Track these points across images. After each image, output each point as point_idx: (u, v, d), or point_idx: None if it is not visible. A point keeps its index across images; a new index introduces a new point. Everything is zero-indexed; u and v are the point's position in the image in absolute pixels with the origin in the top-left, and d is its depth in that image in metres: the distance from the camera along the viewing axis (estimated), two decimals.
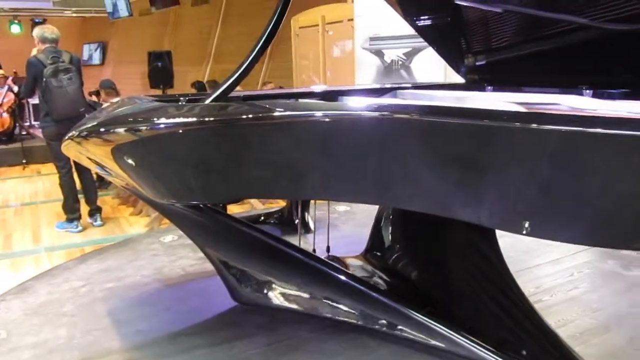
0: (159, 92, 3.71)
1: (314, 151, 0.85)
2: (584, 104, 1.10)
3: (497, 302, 1.08)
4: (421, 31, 1.31)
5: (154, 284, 1.35)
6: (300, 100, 1.14)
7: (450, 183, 0.78)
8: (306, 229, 1.55)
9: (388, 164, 0.82)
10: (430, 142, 0.78)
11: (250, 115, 0.84)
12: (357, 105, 0.94)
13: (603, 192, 0.64)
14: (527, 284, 1.24)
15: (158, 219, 2.14)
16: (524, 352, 0.98)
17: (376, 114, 0.81)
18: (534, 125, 0.67)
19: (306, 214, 1.59)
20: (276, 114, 0.84)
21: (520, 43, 1.20)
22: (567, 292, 1.22)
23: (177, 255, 1.54)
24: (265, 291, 1.16)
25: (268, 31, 0.92)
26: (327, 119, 0.83)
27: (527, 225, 0.71)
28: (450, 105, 1.03)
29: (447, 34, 1.28)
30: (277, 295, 1.14)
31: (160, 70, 3.82)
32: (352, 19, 2.56)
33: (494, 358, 0.99)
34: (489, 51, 1.26)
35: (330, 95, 1.19)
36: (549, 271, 1.34)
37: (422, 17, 1.29)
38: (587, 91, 1.12)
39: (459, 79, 1.37)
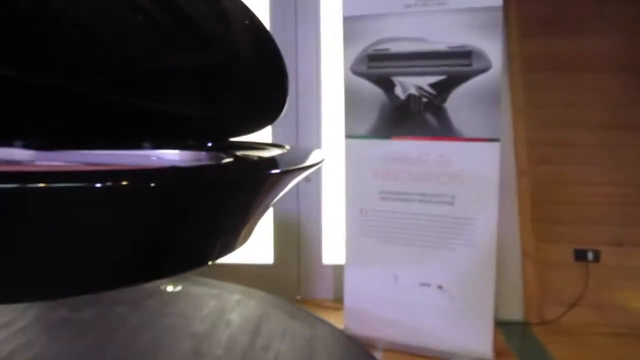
0: None
1: None
2: (18, 155, 1.28)
3: None
4: None
5: None
6: None
7: None
8: None
9: None
10: None
11: None
12: None
13: (60, 243, 0.71)
14: None
15: None
16: None
17: None
18: None
19: None
20: None
21: None
22: (27, 353, 1.37)
23: None
24: None
25: None
26: None
27: None
28: None
29: None
30: None
31: None
32: None
33: None
34: None
35: None
36: (2, 336, 1.43)
37: None
38: (18, 142, 1.31)
39: None
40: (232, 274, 2.77)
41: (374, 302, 2.70)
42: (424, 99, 2.56)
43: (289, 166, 0.96)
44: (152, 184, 0.73)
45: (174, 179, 0.78)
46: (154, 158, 1.33)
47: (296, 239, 3.42)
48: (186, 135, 1.34)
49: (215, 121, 1.34)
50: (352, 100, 2.66)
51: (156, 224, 0.79)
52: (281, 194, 1.01)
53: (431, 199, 2.57)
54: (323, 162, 1.12)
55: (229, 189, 0.84)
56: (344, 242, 2.74)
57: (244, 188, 0.87)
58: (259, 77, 1.27)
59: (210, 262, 0.95)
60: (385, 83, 2.61)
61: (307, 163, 1.00)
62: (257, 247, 3.38)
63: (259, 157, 1.13)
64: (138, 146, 1.36)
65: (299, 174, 0.99)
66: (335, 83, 3.15)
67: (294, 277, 3.43)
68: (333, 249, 3.36)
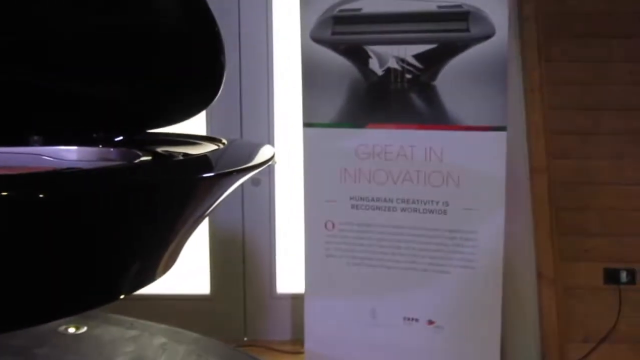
0: None
1: None
2: None
3: None
4: None
5: None
6: None
7: None
8: None
9: None
10: None
11: None
12: None
13: None
14: None
15: None
16: None
17: None
18: None
19: None
20: None
21: None
22: None
23: None
24: None
25: None
26: None
27: None
28: None
29: None
30: None
31: None
32: None
33: None
34: None
35: None
36: None
37: None
38: None
39: None
40: (156, 310, 2.75)
41: (344, 343, 2.71)
42: (408, 75, 2.58)
43: (226, 167, 0.97)
44: (40, 194, 0.73)
45: (70, 187, 0.77)
46: (46, 157, 1.31)
47: (240, 262, 3.41)
48: (89, 125, 1.33)
49: (128, 106, 1.33)
50: (312, 77, 2.67)
51: (47, 246, 0.79)
52: (216, 203, 1.01)
53: (418, 207, 2.59)
54: (273, 161, 1.13)
55: (145, 199, 0.84)
56: (303, 265, 2.74)
57: (166, 197, 0.88)
58: (185, 48, 1.27)
59: (122, 296, 0.95)
60: (357, 54, 2.62)
61: (252, 162, 1.01)
62: (189, 273, 3.36)
63: (186, 154, 1.13)
64: (24, 141, 1.35)
65: (240, 177, 1.00)
66: (291, 54, 3.16)
67: (239, 312, 3.42)
68: (290, 274, 3.37)
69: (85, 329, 1.94)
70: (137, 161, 1.08)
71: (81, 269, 0.85)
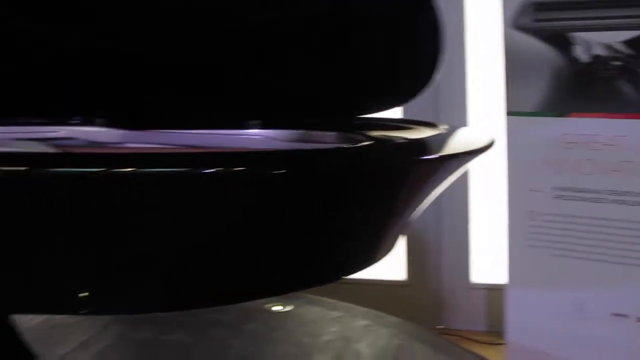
0: None
1: None
2: (102, 136, 1.36)
3: None
4: None
5: None
6: None
7: None
8: None
9: None
10: None
11: None
12: None
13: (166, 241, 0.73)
14: None
15: None
16: None
17: None
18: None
19: None
20: None
21: None
22: None
23: None
24: None
25: None
26: None
27: (80, 299, 0.71)
28: None
29: None
30: None
31: None
32: None
33: None
34: None
35: None
36: (83, 357, 1.50)
37: None
38: (100, 121, 1.38)
39: None
40: (352, 294, 2.78)
41: (547, 336, 2.60)
42: (617, 62, 2.43)
43: (457, 149, 0.93)
44: (282, 170, 0.73)
45: (308, 164, 0.77)
46: (258, 137, 1.34)
47: (436, 250, 3.39)
48: (293, 110, 1.34)
49: (338, 93, 1.33)
50: (514, 66, 2.58)
51: (281, 222, 0.79)
52: (442, 187, 0.98)
53: (628, 199, 2.44)
54: (493, 145, 1.08)
55: (385, 179, 0.82)
56: (505, 255, 2.66)
57: (397, 178, 0.85)
58: (404, 33, 1.24)
59: (343, 276, 0.95)
60: (561, 41, 2.51)
61: (478, 145, 0.97)
62: (386, 259, 3.37)
63: (406, 139, 1.10)
64: (239, 125, 1.39)
65: (466, 160, 0.96)
66: (484, 39, 3.09)
67: (434, 299, 3.40)
68: (485, 263, 3.30)
69: (292, 307, 1.98)
70: (366, 143, 1.07)
71: (313, 247, 0.84)
